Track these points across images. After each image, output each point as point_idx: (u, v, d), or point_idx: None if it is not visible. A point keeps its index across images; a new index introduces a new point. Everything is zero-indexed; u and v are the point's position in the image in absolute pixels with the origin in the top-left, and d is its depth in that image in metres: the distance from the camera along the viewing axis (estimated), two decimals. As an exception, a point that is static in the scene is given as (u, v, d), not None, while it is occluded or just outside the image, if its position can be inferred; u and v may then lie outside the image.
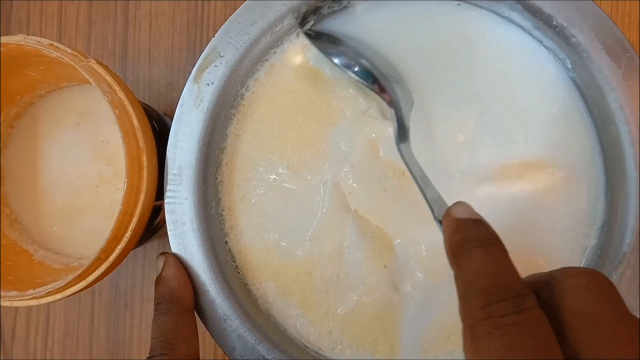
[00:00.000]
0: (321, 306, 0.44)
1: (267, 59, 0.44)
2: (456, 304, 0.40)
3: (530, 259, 0.43)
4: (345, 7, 0.44)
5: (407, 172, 0.41)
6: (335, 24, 0.44)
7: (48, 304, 0.56)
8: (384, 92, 0.42)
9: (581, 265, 0.43)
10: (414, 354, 0.43)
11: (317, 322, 0.44)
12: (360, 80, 0.42)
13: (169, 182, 0.41)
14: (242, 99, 0.44)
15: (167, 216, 0.41)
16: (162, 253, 0.41)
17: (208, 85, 0.41)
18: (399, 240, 0.43)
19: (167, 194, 0.41)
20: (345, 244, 0.43)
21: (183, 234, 0.41)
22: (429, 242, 0.43)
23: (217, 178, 0.43)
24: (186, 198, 0.41)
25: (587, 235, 0.43)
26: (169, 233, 0.41)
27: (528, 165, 0.43)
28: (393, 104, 0.42)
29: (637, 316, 0.38)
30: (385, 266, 0.43)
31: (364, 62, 0.42)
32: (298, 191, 0.44)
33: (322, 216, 0.43)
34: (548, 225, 0.43)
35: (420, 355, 0.43)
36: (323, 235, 0.44)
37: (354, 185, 0.43)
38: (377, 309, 0.43)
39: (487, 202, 0.43)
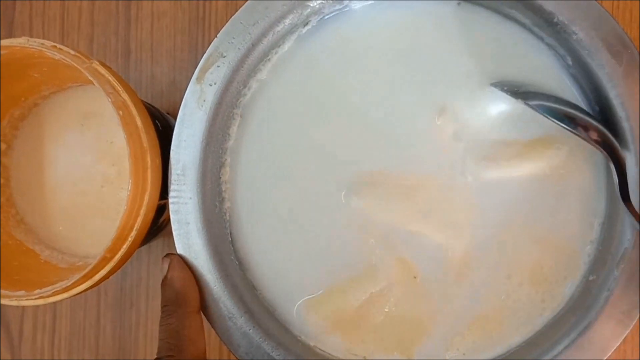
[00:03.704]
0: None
1: (269, 59, 0.44)
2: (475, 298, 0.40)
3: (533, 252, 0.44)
4: (346, 8, 0.44)
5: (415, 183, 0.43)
6: (336, 25, 0.44)
7: (54, 303, 0.56)
8: (590, 131, 0.40)
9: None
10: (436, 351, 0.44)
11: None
12: (566, 126, 0.40)
13: (173, 182, 0.41)
14: (244, 98, 0.44)
15: (171, 216, 0.42)
16: (167, 254, 0.42)
17: (211, 85, 0.42)
18: (419, 251, 0.44)
19: (172, 194, 0.42)
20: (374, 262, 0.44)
21: (187, 234, 0.42)
22: (450, 247, 0.44)
23: (220, 178, 0.44)
24: (190, 198, 0.42)
25: (589, 231, 0.43)
26: (173, 232, 0.42)
27: (531, 162, 0.44)
28: (607, 145, 0.41)
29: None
30: (415, 277, 0.44)
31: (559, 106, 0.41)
32: (305, 198, 0.44)
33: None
34: (550, 219, 0.44)
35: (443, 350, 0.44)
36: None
37: (365, 201, 0.44)
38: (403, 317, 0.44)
39: (498, 199, 0.44)
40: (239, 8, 0.42)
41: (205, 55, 0.42)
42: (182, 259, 0.42)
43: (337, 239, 0.44)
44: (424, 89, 0.44)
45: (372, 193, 0.44)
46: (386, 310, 0.44)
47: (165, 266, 0.41)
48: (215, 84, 0.42)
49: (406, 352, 0.44)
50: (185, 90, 0.42)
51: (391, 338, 0.44)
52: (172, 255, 0.41)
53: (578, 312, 0.42)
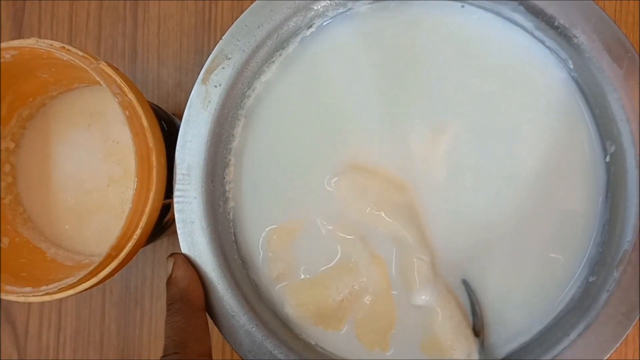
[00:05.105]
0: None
1: (273, 61, 0.44)
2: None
3: (535, 253, 0.44)
4: (349, 10, 0.45)
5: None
6: (340, 28, 0.45)
7: (60, 302, 0.56)
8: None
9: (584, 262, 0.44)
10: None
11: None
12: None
13: (177, 181, 0.42)
14: (249, 100, 0.44)
15: (176, 215, 0.42)
16: (172, 254, 0.42)
17: (216, 86, 0.42)
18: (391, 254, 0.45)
19: (176, 193, 0.42)
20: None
21: (192, 232, 0.42)
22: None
23: (224, 178, 0.44)
24: (195, 197, 0.42)
25: (589, 232, 0.44)
26: (178, 231, 0.42)
27: (530, 163, 0.44)
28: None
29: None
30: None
31: None
32: (307, 199, 0.45)
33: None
34: (550, 222, 0.44)
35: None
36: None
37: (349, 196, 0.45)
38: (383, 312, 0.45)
39: (491, 199, 0.44)
40: (244, 10, 0.42)
41: (210, 57, 0.42)
42: (187, 258, 0.42)
43: (331, 236, 0.44)
44: (424, 96, 0.45)
45: (359, 190, 0.44)
46: (367, 305, 0.44)
47: (170, 265, 0.41)
48: (220, 85, 0.42)
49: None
50: (191, 91, 0.42)
51: (373, 333, 0.44)
52: (176, 254, 0.42)
53: (578, 312, 0.42)
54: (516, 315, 0.44)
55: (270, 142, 0.45)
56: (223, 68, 0.42)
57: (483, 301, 0.44)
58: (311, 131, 0.45)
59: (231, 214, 0.45)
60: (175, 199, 0.42)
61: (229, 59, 0.42)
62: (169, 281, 0.41)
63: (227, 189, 0.44)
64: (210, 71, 0.42)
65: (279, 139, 0.45)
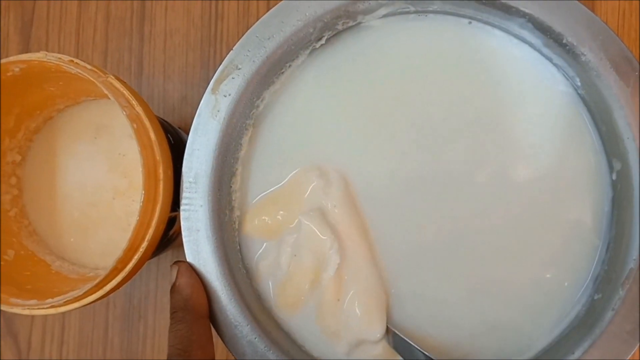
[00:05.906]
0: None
1: (282, 72, 0.44)
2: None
3: (539, 272, 0.44)
4: (359, 24, 0.45)
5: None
6: (349, 41, 0.45)
7: (63, 315, 0.56)
8: None
9: (589, 279, 0.44)
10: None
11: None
12: None
13: (185, 189, 0.42)
14: (257, 110, 0.45)
15: (182, 223, 0.42)
16: (176, 262, 0.42)
17: (225, 96, 0.42)
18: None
19: (183, 201, 0.42)
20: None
21: (197, 241, 0.42)
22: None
23: (231, 187, 0.44)
24: (201, 205, 0.42)
25: (594, 250, 0.44)
26: (183, 239, 0.42)
27: (535, 181, 0.44)
28: None
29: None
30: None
31: None
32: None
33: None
34: (555, 240, 0.44)
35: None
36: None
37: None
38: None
39: (494, 218, 0.44)
40: (250, 26, 0.42)
41: (220, 67, 0.42)
42: (190, 266, 0.42)
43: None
44: (428, 110, 0.45)
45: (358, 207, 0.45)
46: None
47: (174, 273, 0.41)
48: (229, 95, 0.42)
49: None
50: (199, 103, 0.42)
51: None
52: (180, 262, 0.42)
53: (582, 330, 0.42)
54: (519, 334, 0.44)
55: (278, 152, 0.45)
56: (233, 78, 0.42)
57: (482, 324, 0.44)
58: (319, 144, 0.45)
59: (237, 223, 0.45)
60: (182, 207, 0.42)
61: (239, 69, 0.42)
62: (173, 289, 0.41)
63: (234, 198, 0.44)
64: (220, 81, 0.42)
65: (286, 150, 0.45)
